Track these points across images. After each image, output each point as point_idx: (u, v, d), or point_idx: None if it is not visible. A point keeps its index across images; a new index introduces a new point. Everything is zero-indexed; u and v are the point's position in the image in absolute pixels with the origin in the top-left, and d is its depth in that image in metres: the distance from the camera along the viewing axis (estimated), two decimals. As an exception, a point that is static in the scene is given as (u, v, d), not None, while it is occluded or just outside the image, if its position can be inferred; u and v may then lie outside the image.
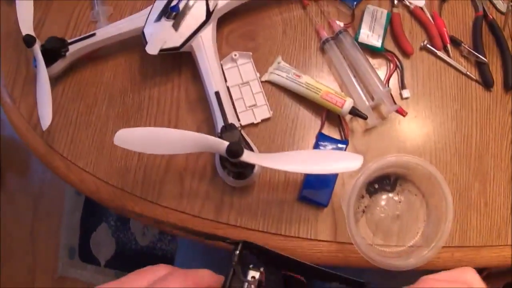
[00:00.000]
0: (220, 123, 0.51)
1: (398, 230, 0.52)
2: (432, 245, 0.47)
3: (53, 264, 1.37)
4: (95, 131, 0.57)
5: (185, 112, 0.57)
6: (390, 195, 0.53)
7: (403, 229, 0.52)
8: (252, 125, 0.56)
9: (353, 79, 0.57)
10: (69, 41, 0.57)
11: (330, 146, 0.55)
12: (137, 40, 0.56)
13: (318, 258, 0.52)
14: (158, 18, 0.55)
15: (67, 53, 0.56)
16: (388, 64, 0.60)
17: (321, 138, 0.55)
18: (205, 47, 0.55)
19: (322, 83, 0.56)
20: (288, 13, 0.62)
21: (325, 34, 0.60)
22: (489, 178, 0.55)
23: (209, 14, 0.55)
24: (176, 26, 0.54)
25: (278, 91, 0.58)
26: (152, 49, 0.54)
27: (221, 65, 0.57)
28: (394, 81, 0.59)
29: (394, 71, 0.59)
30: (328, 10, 0.62)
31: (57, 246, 1.38)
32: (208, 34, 0.56)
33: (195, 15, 0.55)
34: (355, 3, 0.61)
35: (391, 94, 0.57)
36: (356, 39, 0.59)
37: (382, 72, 0.59)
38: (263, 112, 0.56)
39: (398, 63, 0.59)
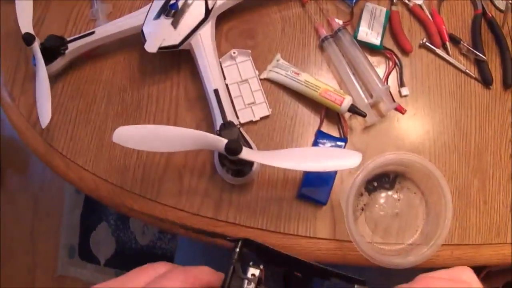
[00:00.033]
0: (219, 121, 0.51)
1: (397, 228, 0.52)
2: (431, 243, 0.47)
3: (53, 263, 1.37)
4: (94, 129, 0.57)
5: (184, 110, 0.57)
6: (389, 193, 0.53)
7: (402, 227, 0.52)
8: (251, 122, 0.56)
9: (352, 77, 0.57)
10: (68, 39, 0.57)
11: (329, 143, 0.55)
12: (136, 38, 0.56)
13: (317, 256, 0.52)
14: (157, 16, 0.55)
15: (66, 51, 0.57)
16: (387, 62, 0.60)
17: (320, 135, 0.55)
18: (204, 45, 0.55)
19: (321, 81, 0.56)
20: (287, 11, 0.62)
21: (324, 32, 0.60)
22: (489, 176, 0.55)
23: (208, 12, 0.55)
24: (175, 24, 0.54)
25: (277, 89, 0.58)
26: (151, 47, 0.54)
27: (220, 63, 0.57)
28: (393, 78, 0.59)
29: (393, 69, 0.59)
30: (327, 8, 0.62)
31: (57, 245, 1.39)
32: (207, 32, 0.56)
33: (194, 13, 0.55)
34: (354, 1, 0.61)
35: (390, 92, 0.57)
36: (355, 37, 0.59)
37: (381, 70, 0.59)
38: (262, 109, 0.56)
39: (397, 61, 0.59)
